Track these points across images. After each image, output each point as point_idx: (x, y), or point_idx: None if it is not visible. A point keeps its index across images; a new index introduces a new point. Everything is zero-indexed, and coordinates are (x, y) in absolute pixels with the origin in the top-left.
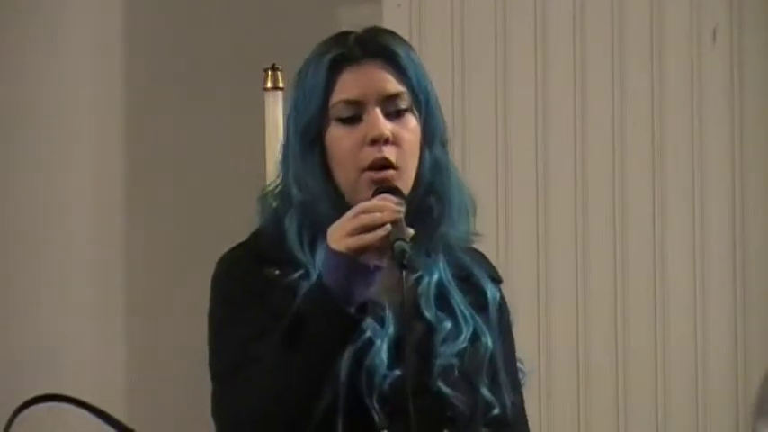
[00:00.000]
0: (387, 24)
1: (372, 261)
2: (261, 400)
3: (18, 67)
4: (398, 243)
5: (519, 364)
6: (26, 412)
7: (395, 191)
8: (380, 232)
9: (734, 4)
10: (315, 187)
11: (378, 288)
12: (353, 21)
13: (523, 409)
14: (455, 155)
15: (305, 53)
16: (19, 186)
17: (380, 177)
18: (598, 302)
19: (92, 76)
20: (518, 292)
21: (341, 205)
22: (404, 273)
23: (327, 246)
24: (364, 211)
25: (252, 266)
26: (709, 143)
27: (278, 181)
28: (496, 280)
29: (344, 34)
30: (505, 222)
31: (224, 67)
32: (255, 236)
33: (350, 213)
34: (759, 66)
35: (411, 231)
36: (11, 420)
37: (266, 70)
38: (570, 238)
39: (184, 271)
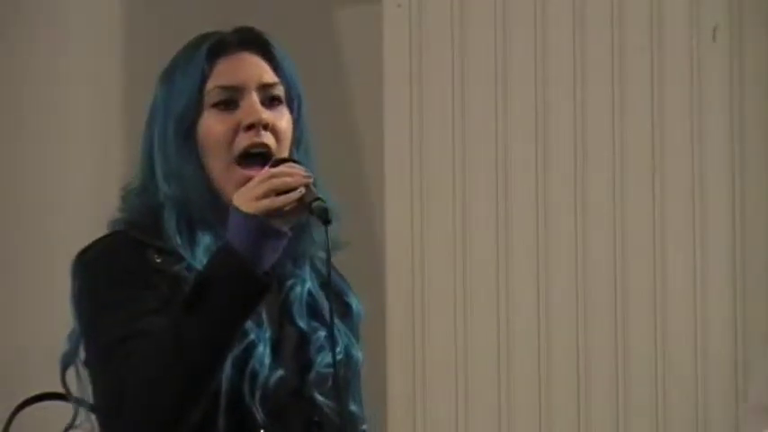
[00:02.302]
0: (387, 24)
1: (279, 226)
2: (158, 373)
3: (18, 67)
4: (317, 203)
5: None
6: (26, 411)
7: (295, 161)
8: (294, 195)
9: (734, 4)
10: (189, 179)
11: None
12: (353, 21)
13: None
14: (455, 154)
15: (305, 53)
16: (19, 186)
17: (250, 175)
18: (598, 302)
19: (92, 75)
20: (518, 291)
21: (213, 200)
22: (327, 229)
23: (235, 209)
24: (272, 176)
25: (133, 251)
26: (709, 143)
27: (138, 179)
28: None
29: (213, 32)
30: (505, 221)
31: None
32: (129, 226)
33: (258, 178)
34: (759, 66)
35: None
36: (10, 419)
37: None
38: (570, 238)
39: None
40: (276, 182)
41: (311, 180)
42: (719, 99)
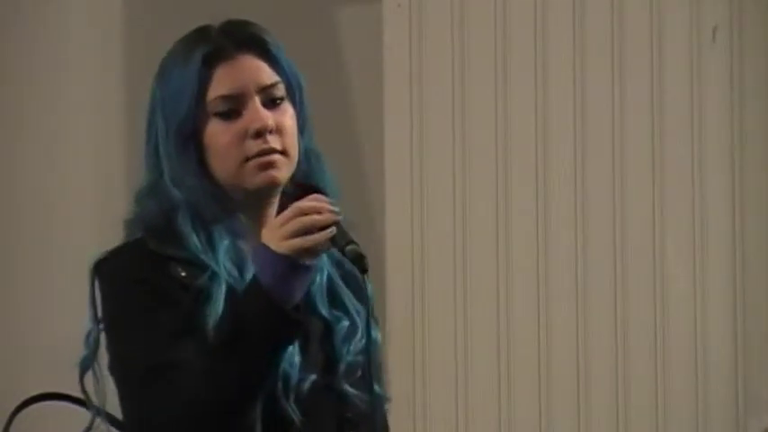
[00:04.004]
0: (387, 24)
1: (308, 262)
2: (194, 410)
3: (18, 66)
4: (352, 246)
5: None
6: (26, 411)
7: (319, 190)
8: (327, 234)
9: (734, 4)
10: (193, 184)
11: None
12: (353, 21)
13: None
14: (455, 155)
15: (305, 53)
16: (19, 186)
17: (267, 161)
18: (598, 302)
19: (91, 74)
20: (518, 291)
21: (224, 199)
22: (365, 277)
23: (265, 248)
24: (301, 213)
25: (157, 266)
26: (709, 143)
27: (148, 179)
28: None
29: (207, 28)
30: (505, 222)
31: None
32: (150, 234)
33: (286, 215)
34: (759, 66)
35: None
36: (11, 419)
37: None
38: (570, 237)
39: None
40: (306, 220)
41: (340, 217)
42: (719, 99)
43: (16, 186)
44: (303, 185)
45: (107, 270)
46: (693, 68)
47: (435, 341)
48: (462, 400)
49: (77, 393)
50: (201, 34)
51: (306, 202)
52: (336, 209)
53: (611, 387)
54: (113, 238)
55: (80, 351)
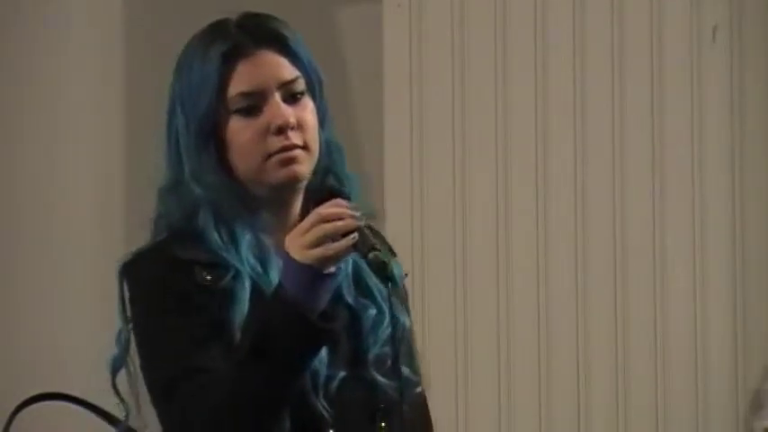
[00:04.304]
0: (387, 24)
1: (331, 269)
2: (223, 417)
3: (18, 67)
4: (374, 254)
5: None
6: (26, 411)
7: (340, 194)
8: (348, 241)
9: (734, 4)
10: (214, 181)
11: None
12: (353, 21)
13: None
14: (455, 154)
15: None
16: (19, 186)
17: (288, 157)
18: (598, 302)
19: (92, 75)
20: (518, 291)
21: (245, 196)
22: (390, 285)
23: (288, 257)
24: (323, 220)
25: (182, 271)
26: (709, 143)
27: (169, 177)
28: (393, 253)
29: (225, 22)
30: (505, 222)
31: None
32: (174, 236)
33: (308, 222)
34: (759, 66)
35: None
36: (11, 419)
37: None
38: (570, 238)
39: None
40: (328, 227)
41: (363, 223)
42: (719, 99)
43: (16, 186)
44: (325, 189)
45: (134, 273)
46: (693, 68)
47: (436, 341)
48: (462, 400)
49: (77, 393)
50: (219, 29)
51: (327, 209)
52: (358, 214)
53: (611, 387)
54: (114, 237)
55: (112, 350)
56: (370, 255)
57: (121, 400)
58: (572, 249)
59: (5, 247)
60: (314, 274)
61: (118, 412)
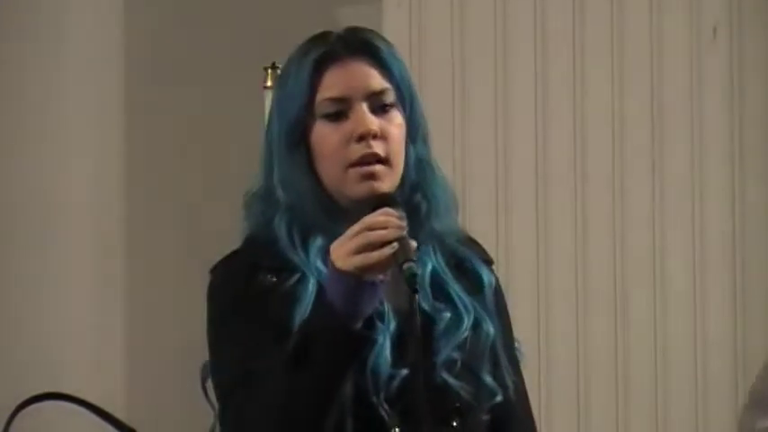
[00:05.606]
0: (387, 24)
1: (376, 276)
2: (269, 422)
3: (18, 66)
4: (408, 266)
5: (516, 344)
6: (26, 410)
7: (392, 202)
8: (387, 250)
9: (734, 4)
10: (301, 187)
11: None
12: (353, 20)
13: (525, 389)
14: (455, 155)
15: None
16: (20, 187)
17: (368, 171)
18: (598, 302)
19: (92, 74)
20: (518, 291)
21: (328, 204)
22: (417, 296)
23: (331, 264)
24: (368, 228)
25: (247, 276)
26: (709, 143)
27: (260, 183)
28: (488, 261)
29: (326, 34)
30: (505, 222)
31: (224, 65)
32: (248, 242)
33: (353, 230)
34: (759, 66)
35: (414, 244)
36: (11, 418)
37: (266, 69)
38: (570, 237)
39: (184, 270)
40: (371, 236)
41: (405, 231)
42: (719, 99)
43: (16, 186)
44: (380, 198)
45: (212, 278)
46: (693, 68)
47: None
48: None
49: (77, 393)
50: (319, 39)
51: (374, 217)
52: (404, 224)
53: (611, 387)
54: (112, 237)
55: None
56: (405, 266)
57: (211, 405)
58: (572, 249)
59: (5, 247)
60: (354, 283)
61: (117, 411)
